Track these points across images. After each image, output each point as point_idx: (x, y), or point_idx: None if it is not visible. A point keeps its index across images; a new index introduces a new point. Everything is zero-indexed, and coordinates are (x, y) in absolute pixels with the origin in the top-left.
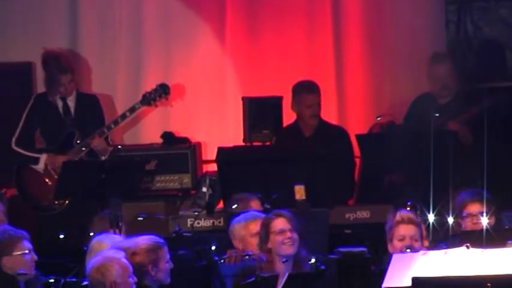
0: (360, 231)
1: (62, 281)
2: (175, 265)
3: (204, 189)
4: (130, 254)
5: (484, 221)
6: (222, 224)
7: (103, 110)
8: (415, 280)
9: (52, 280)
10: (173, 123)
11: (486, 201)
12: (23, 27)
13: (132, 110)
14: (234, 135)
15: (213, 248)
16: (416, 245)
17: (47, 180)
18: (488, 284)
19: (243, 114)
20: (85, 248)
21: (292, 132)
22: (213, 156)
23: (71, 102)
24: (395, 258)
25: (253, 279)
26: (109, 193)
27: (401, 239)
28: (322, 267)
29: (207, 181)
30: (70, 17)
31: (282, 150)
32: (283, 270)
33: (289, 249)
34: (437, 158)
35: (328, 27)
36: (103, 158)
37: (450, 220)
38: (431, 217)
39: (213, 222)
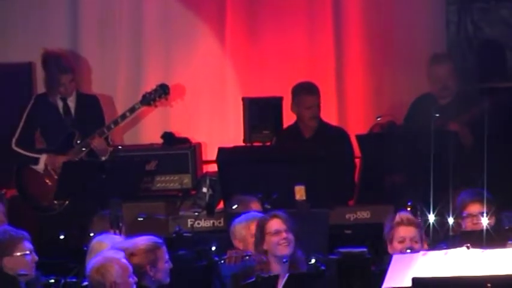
0: (360, 231)
1: (62, 281)
2: (176, 265)
3: (204, 190)
4: (129, 255)
5: (484, 221)
6: (222, 224)
7: (103, 111)
8: (415, 280)
9: (52, 280)
10: (173, 123)
11: (486, 202)
12: (23, 27)
13: (132, 110)
14: (234, 135)
15: (213, 248)
16: (417, 246)
17: (47, 180)
18: (489, 285)
19: (243, 115)
20: (85, 248)
21: (292, 133)
22: (213, 157)
23: (71, 102)
24: (396, 259)
25: (253, 279)
26: (109, 193)
27: (402, 241)
28: (322, 267)
29: (207, 181)
30: (70, 17)
31: (282, 150)
32: (279, 271)
33: (285, 250)
34: (437, 159)
35: (329, 28)
36: (103, 158)
37: (450, 220)
38: (431, 217)
39: (213, 223)
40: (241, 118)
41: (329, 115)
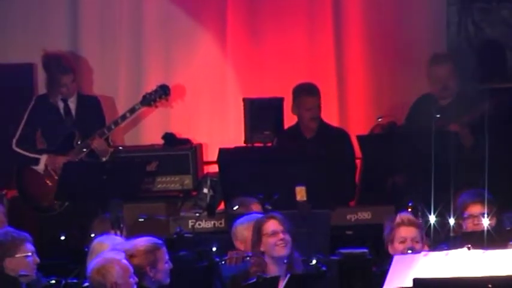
0: (361, 232)
1: (63, 282)
2: (176, 266)
3: (205, 191)
4: (129, 256)
5: (485, 222)
6: (223, 225)
7: (104, 111)
8: (416, 281)
9: (53, 282)
10: (174, 124)
11: (487, 203)
12: (23, 28)
13: (132, 110)
14: (235, 136)
15: (214, 249)
16: (418, 246)
17: (48, 181)
18: (489, 285)
19: (244, 115)
20: (86, 249)
21: (293, 134)
22: (214, 158)
23: (72, 103)
24: (397, 260)
25: (254, 280)
26: (110, 194)
27: (403, 241)
28: (324, 268)
29: (208, 182)
30: (70, 17)
31: (283, 151)
32: (276, 272)
33: (282, 251)
34: (438, 159)
35: (329, 28)
36: (104, 159)
37: (451, 221)
38: (432, 218)
39: (214, 224)
40: (242, 119)
41: (330, 116)
